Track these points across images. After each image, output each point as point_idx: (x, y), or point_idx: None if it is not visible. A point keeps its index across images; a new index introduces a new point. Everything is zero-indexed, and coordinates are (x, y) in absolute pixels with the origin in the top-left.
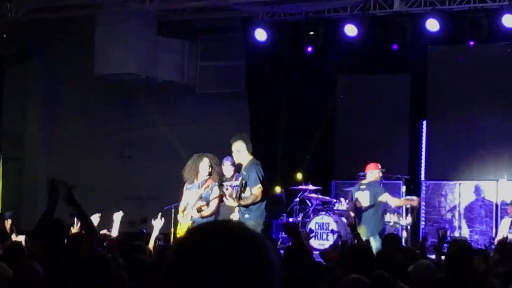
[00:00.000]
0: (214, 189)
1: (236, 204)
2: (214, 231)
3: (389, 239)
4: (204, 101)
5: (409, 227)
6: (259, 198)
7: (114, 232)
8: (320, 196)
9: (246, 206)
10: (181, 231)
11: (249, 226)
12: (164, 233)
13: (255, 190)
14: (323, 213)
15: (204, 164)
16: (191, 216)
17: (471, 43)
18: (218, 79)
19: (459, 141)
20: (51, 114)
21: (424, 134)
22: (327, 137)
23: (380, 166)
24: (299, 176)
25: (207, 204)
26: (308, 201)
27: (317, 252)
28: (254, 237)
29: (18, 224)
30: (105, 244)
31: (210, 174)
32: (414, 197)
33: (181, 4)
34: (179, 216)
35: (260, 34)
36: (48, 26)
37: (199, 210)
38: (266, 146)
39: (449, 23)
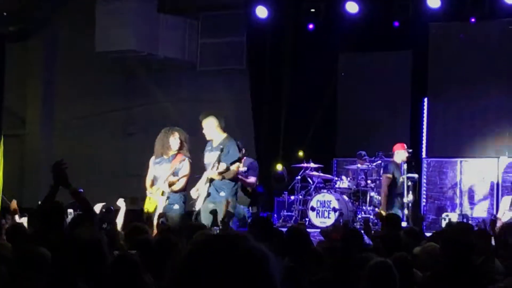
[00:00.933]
0: (184, 165)
1: (218, 176)
2: (222, 246)
3: (390, 219)
4: (205, 78)
5: (410, 205)
6: (236, 176)
7: (119, 220)
8: (321, 174)
9: (224, 178)
10: (149, 206)
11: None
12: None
13: (234, 167)
14: (325, 191)
15: (175, 139)
16: (162, 191)
17: (473, 19)
18: (219, 56)
19: (460, 118)
20: (52, 92)
21: (425, 111)
22: (329, 114)
23: (406, 147)
24: (301, 154)
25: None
26: (309, 179)
27: (318, 230)
28: (261, 253)
29: (21, 202)
30: (105, 226)
31: (180, 148)
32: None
33: None
34: (148, 191)
35: (261, 11)
36: (49, 4)
37: (171, 184)
38: (267, 123)
39: (450, 0)
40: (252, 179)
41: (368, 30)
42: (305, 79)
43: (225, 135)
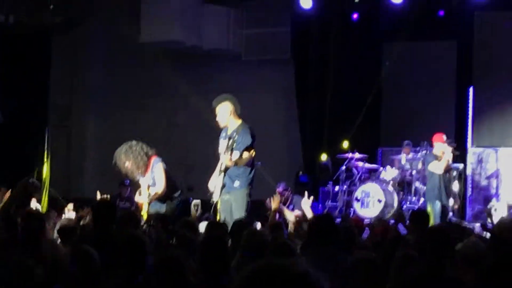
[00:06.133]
0: (156, 168)
1: (230, 162)
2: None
3: (416, 218)
4: (250, 68)
5: (456, 195)
6: (249, 163)
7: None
8: (366, 164)
9: (237, 165)
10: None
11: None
12: None
13: (246, 155)
14: (370, 181)
15: (141, 157)
16: (148, 205)
17: None
18: (264, 46)
19: (506, 108)
20: (98, 83)
21: (470, 101)
22: (374, 104)
23: (445, 139)
24: (346, 144)
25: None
26: (354, 169)
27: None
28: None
29: (68, 192)
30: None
31: (148, 159)
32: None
33: None
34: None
35: (306, 1)
36: None
37: (152, 200)
38: (312, 114)
39: None
40: (297, 212)
41: (413, 20)
42: (349, 69)
43: (240, 121)
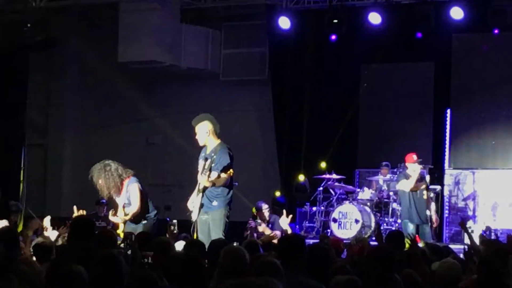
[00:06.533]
0: (131, 188)
1: (208, 183)
2: None
3: (392, 239)
4: (228, 88)
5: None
6: (227, 183)
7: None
8: (343, 185)
9: (215, 185)
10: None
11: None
12: None
13: (225, 175)
14: (347, 202)
15: (113, 178)
16: (124, 225)
17: (496, 31)
18: (242, 67)
19: (483, 130)
20: (75, 102)
21: (448, 122)
22: (351, 125)
23: (415, 158)
24: (323, 165)
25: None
26: (331, 190)
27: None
28: None
29: (43, 211)
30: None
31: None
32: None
33: None
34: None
35: (284, 22)
36: (72, 14)
37: (125, 219)
38: (289, 134)
39: (473, 11)
40: (277, 232)
41: (391, 41)
42: (327, 89)
43: (218, 141)
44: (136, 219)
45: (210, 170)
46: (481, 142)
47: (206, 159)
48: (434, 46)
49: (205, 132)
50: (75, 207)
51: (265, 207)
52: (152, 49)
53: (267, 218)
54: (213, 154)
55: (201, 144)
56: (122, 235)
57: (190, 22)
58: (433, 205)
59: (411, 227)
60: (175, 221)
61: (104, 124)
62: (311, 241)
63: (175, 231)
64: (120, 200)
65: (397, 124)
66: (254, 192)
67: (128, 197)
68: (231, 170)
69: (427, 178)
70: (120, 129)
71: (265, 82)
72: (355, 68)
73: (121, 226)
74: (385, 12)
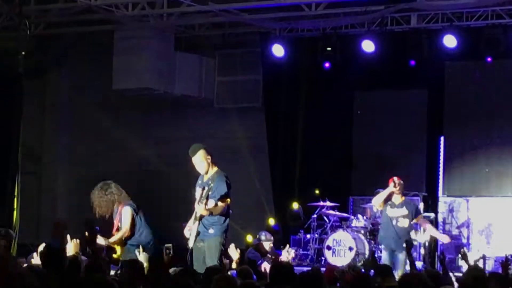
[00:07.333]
0: (124, 211)
1: (205, 211)
2: None
3: (380, 270)
4: (221, 115)
5: (426, 244)
6: (224, 212)
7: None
8: (337, 212)
9: (212, 214)
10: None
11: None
12: None
13: (222, 204)
14: (341, 229)
15: (106, 203)
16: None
17: (489, 59)
18: (235, 94)
19: (476, 157)
20: (69, 129)
21: (441, 150)
22: (344, 153)
23: (394, 180)
24: (317, 192)
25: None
26: (325, 218)
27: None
28: None
29: (37, 238)
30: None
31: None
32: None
33: (199, 20)
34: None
35: (278, 50)
36: (66, 41)
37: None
38: (283, 161)
39: (466, 39)
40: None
41: (384, 69)
42: (321, 117)
43: (215, 169)
44: (133, 244)
45: (207, 199)
46: (475, 170)
47: (203, 188)
48: (427, 74)
49: (203, 161)
50: (68, 236)
51: (268, 240)
52: (146, 76)
53: (267, 250)
54: (210, 182)
55: (202, 172)
56: (118, 257)
57: (184, 49)
58: (430, 227)
59: (384, 255)
60: (170, 244)
61: (98, 151)
62: (305, 269)
63: (170, 254)
64: (116, 223)
65: (391, 152)
66: (248, 220)
67: (121, 220)
68: (228, 199)
69: (421, 205)
70: (114, 156)
71: (259, 109)
72: (349, 95)
73: (119, 251)
74: (378, 40)
